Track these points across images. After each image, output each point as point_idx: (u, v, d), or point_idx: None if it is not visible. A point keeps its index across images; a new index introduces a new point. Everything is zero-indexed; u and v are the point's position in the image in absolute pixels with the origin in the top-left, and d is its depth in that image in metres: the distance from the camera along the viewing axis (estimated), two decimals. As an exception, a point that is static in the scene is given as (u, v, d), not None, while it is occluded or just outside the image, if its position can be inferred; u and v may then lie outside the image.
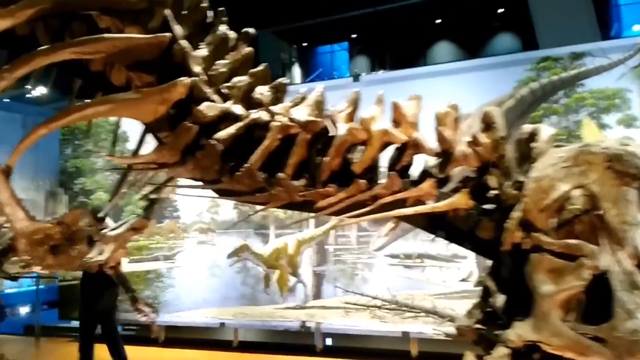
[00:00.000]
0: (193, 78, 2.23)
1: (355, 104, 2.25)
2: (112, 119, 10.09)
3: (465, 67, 8.33)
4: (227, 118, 2.26)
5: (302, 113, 2.23)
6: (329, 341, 8.51)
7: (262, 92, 2.34)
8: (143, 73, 2.29)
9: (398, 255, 8.32)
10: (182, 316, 9.33)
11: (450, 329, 7.77)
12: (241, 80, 2.34)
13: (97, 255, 2.88)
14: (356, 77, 8.85)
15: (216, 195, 2.36)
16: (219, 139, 2.18)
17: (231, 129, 2.21)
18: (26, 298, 12.53)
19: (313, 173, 2.17)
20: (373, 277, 8.42)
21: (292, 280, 8.84)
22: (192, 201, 9.44)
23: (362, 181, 2.11)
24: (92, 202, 10.04)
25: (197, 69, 2.32)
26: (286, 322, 8.74)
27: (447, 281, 8.08)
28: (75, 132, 10.41)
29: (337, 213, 2.13)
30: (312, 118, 2.18)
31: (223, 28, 2.46)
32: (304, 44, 18.17)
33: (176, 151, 2.22)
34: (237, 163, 2.22)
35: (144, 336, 9.34)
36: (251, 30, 2.58)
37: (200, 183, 2.37)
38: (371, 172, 2.15)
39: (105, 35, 2.17)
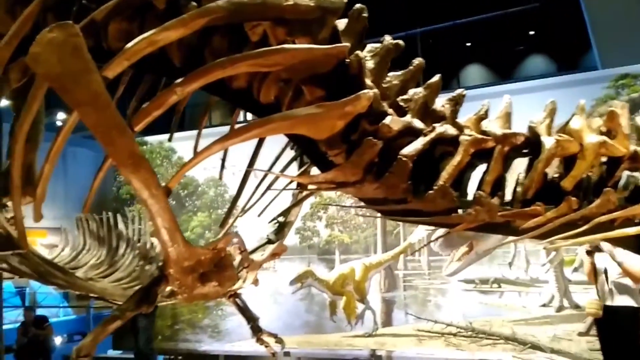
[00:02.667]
0: (374, 91, 2.06)
1: (552, 114, 2.05)
2: (167, 144, 10.16)
3: (542, 85, 8.08)
4: (409, 133, 2.08)
5: (494, 125, 2.04)
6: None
7: (442, 104, 2.16)
8: (315, 87, 2.13)
9: (473, 280, 7.99)
10: (243, 345, 9.12)
11: (531, 356, 7.31)
12: (418, 92, 2.17)
13: (241, 282, 2.72)
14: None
15: (392, 217, 2.17)
16: (407, 155, 2.00)
17: (417, 144, 2.03)
18: (63, 328, 12.43)
19: (513, 190, 1.96)
20: (447, 303, 8.09)
21: (359, 307, 8.57)
22: (253, 227, 9.34)
23: (574, 199, 1.89)
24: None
25: (369, 81, 2.17)
26: (355, 350, 8.44)
27: (527, 306, 7.70)
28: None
29: (544, 235, 1.91)
30: (511, 131, 1.99)
31: (387, 38, 2.31)
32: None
33: (358, 169, 2.05)
34: (424, 181, 2.04)
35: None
36: (401, 42, 2.42)
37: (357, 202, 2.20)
38: (581, 188, 1.93)
39: (285, 46, 2.03)
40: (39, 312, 11.20)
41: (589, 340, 7.15)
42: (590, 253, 5.43)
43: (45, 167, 2.13)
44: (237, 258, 2.76)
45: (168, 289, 2.51)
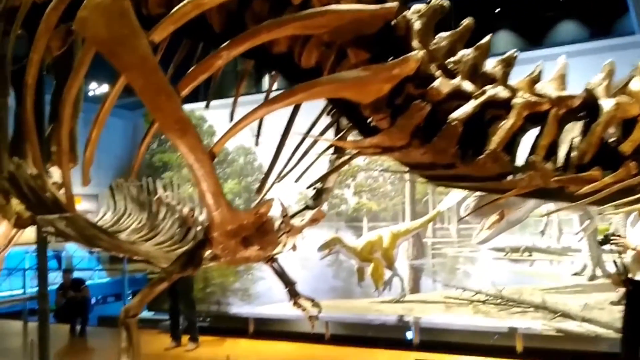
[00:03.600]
0: (422, 52, 2.01)
1: (610, 75, 1.97)
2: (198, 113, 10.21)
3: (575, 52, 7.80)
4: (458, 96, 2.03)
5: (549, 88, 1.97)
6: (427, 335, 8.27)
7: (493, 66, 2.09)
8: (360, 49, 2.08)
9: (503, 249, 7.94)
10: (272, 308, 9.29)
11: (562, 324, 7.29)
12: (467, 54, 2.10)
13: (281, 247, 2.75)
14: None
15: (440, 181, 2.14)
16: (457, 118, 1.96)
17: (467, 108, 1.98)
18: (97, 290, 12.79)
19: (567, 155, 1.91)
20: (476, 271, 8.07)
21: (387, 273, 8.61)
22: (282, 194, 9.38)
23: (633, 163, 1.83)
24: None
25: (415, 43, 2.11)
26: (382, 316, 8.53)
27: (558, 275, 7.64)
28: (162, 127, 10.54)
29: (600, 202, 1.86)
30: (567, 93, 1.92)
31: (433, -1, 2.22)
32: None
33: (405, 134, 2.01)
34: (473, 146, 1.99)
35: (237, 328, 9.41)
36: (446, 2, 2.34)
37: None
38: (640, 153, 1.87)
39: (333, 7, 1.98)
40: (76, 275, 11.63)
41: (621, 310, 7.10)
42: None
43: (94, 131, 2.15)
44: (278, 223, 2.78)
45: (211, 252, 2.54)
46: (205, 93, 3.50)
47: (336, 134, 3.62)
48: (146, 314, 11.74)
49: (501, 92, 2.00)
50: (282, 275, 3.72)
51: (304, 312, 3.88)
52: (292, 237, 2.89)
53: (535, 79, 2.04)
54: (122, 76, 2.04)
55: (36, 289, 11.23)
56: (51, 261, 13.79)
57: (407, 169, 2.39)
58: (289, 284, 3.77)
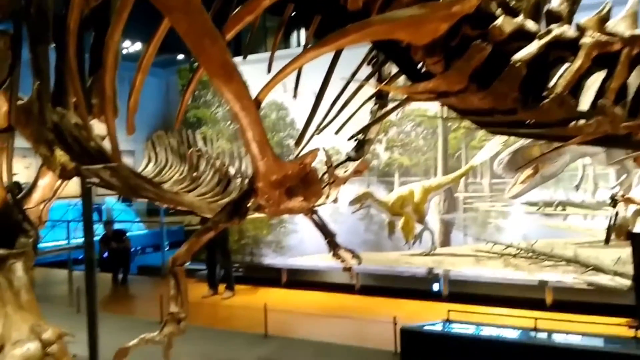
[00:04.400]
0: (483, -11, 1.88)
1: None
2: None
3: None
4: (521, 36, 1.90)
5: (620, 27, 1.83)
6: (456, 287, 8.31)
7: (558, 4, 1.95)
8: (415, -13, 1.96)
9: (537, 203, 7.82)
10: (304, 260, 9.43)
11: (593, 278, 7.22)
12: (531, -10, 1.96)
13: (324, 198, 2.71)
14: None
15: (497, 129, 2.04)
16: (520, 60, 1.84)
17: (531, 48, 1.85)
18: (136, 242, 13.12)
19: (638, 99, 1.79)
20: (508, 225, 8.00)
21: (418, 227, 8.61)
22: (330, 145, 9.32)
23: None
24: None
25: (474, -21, 1.97)
26: (412, 268, 8.58)
27: (592, 230, 7.51)
28: (194, 82, 10.49)
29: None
30: (640, 31, 1.78)
31: None
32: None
33: (464, 77, 1.91)
34: (535, 90, 1.88)
35: (270, 278, 9.62)
36: None
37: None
38: None
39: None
40: (115, 227, 12.00)
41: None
42: None
43: (138, 78, 2.10)
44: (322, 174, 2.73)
45: (256, 202, 2.52)
46: (234, 49, 3.41)
47: (376, 86, 3.52)
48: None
49: (568, 31, 1.87)
50: (322, 227, 3.71)
51: (344, 264, 3.89)
52: (335, 188, 2.84)
53: (604, 18, 1.90)
54: (165, 19, 1.97)
55: (79, 240, 11.59)
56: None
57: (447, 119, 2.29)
58: (329, 235, 3.76)
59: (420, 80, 2.11)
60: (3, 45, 2.66)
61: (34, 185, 3.76)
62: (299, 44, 10.43)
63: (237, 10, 2.03)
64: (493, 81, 1.89)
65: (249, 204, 2.42)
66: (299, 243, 9.46)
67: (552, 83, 1.86)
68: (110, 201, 15.87)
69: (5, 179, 3.02)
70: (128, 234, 10.98)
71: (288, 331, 6.24)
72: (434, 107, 8.40)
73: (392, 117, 8.36)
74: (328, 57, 2.57)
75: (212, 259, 8.89)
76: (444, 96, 1.99)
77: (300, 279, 9.67)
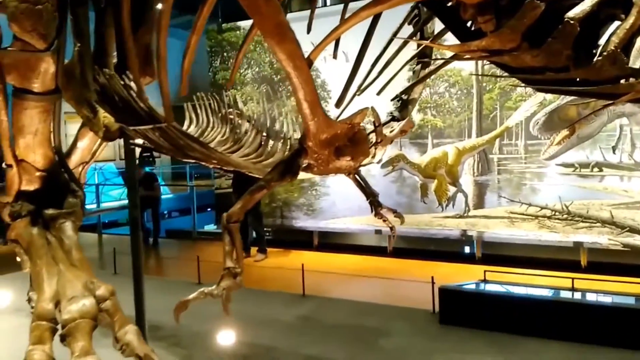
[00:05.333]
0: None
1: None
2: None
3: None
4: (574, -8, 1.89)
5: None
6: (490, 249, 8.35)
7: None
8: (467, -56, 1.95)
9: (572, 164, 7.72)
10: (335, 223, 9.55)
11: (629, 239, 7.14)
12: (586, -55, 1.93)
13: (370, 157, 2.77)
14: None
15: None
16: (574, 17, 1.83)
17: (584, 6, 1.84)
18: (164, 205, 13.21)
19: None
20: (543, 187, 7.93)
21: (451, 189, 8.60)
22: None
23: None
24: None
25: None
26: (445, 230, 8.62)
27: (629, 191, 7.41)
28: (223, 44, 10.50)
29: None
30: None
31: None
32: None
33: (517, 35, 1.91)
34: (588, 47, 1.88)
35: (302, 241, 9.80)
36: None
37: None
38: None
39: None
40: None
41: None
42: None
43: (192, 39, 2.16)
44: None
45: (305, 162, 2.59)
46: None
47: (418, 45, 3.50)
48: (208, 227, 12.39)
49: (623, -14, 1.85)
50: (364, 187, 3.77)
51: (386, 223, 3.97)
52: (381, 148, 2.89)
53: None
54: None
55: (106, 204, 11.80)
56: (116, 178, 14.51)
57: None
58: (371, 195, 3.83)
59: (469, 39, 2.12)
60: (50, 7, 2.72)
61: (72, 147, 3.79)
62: (325, 4, 10.26)
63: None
64: (545, 39, 1.89)
65: (300, 163, 2.49)
66: (330, 206, 9.58)
67: (604, 41, 1.86)
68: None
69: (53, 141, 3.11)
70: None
71: (324, 291, 6.38)
72: (469, 67, 8.27)
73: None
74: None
75: (244, 222, 9.05)
76: (496, 54, 2.00)
77: (331, 242, 9.81)
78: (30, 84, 2.74)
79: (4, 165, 3.01)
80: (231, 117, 3.77)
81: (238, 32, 10.28)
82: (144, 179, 9.93)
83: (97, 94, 3.03)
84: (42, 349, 2.65)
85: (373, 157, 2.83)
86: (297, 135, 3.58)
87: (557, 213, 7.76)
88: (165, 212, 14.22)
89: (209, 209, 13.01)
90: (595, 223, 7.55)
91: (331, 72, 9.01)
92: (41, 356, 2.62)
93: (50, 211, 3.03)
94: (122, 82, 2.82)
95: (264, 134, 3.65)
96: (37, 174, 3.03)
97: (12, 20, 2.57)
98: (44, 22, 2.65)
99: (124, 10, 2.42)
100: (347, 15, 2.15)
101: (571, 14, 1.85)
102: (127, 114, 3.00)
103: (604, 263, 7.42)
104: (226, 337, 4.45)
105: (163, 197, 11.49)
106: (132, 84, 2.89)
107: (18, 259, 5.39)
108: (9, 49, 2.61)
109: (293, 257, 8.86)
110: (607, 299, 4.93)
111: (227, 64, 10.48)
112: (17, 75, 2.71)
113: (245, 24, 9.97)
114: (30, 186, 3.03)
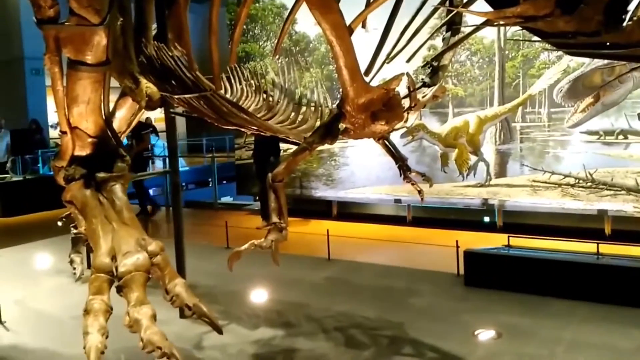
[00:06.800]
0: None
1: None
2: (278, 1, 10.09)
3: None
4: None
5: None
6: (511, 218, 8.42)
7: None
8: None
9: (597, 132, 7.72)
10: (354, 192, 9.70)
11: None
12: None
13: (402, 122, 2.91)
14: None
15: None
16: (605, -17, 1.94)
17: (616, -28, 1.95)
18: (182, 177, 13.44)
19: None
20: (566, 155, 7.96)
21: (472, 159, 8.66)
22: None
23: None
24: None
25: None
26: (466, 199, 8.72)
27: (655, 158, 7.42)
28: (244, 16, 10.54)
29: None
30: None
31: None
32: None
33: (550, 2, 2.02)
34: (618, 12, 1.99)
35: (321, 210, 9.96)
36: None
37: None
38: None
39: None
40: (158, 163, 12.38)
41: None
42: None
43: (243, 12, 2.31)
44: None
45: (343, 126, 2.74)
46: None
47: (447, 13, 3.58)
48: (224, 199, 12.62)
49: (654, -47, 1.94)
50: (393, 152, 3.91)
51: (414, 187, 4.12)
52: (413, 113, 3.02)
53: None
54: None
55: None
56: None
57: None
58: (400, 160, 3.97)
59: (502, 5, 2.23)
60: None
61: (111, 117, 3.99)
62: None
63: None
64: (577, 6, 2.00)
65: (339, 126, 2.65)
66: (349, 176, 9.71)
67: (634, 6, 1.97)
68: (152, 138, 16.37)
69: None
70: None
71: (349, 256, 6.58)
72: (491, 35, 8.25)
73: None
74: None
75: (264, 191, 9.19)
76: (531, 20, 2.12)
77: (350, 211, 9.94)
78: (84, 56, 2.91)
79: (58, 132, 3.21)
80: (274, 84, 3.89)
81: (257, 4, 10.32)
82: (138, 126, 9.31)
83: (141, 65, 3.21)
84: (100, 299, 2.87)
85: (406, 121, 2.97)
86: (327, 103, 3.73)
87: (580, 181, 7.80)
88: (183, 184, 14.54)
89: (224, 182, 13.28)
90: (619, 191, 7.57)
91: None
92: (100, 305, 2.84)
93: (101, 174, 3.23)
94: (169, 53, 2.98)
95: (295, 102, 3.79)
96: (89, 140, 3.22)
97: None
98: (99, -1, 2.80)
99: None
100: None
101: (603, -20, 1.96)
102: (172, 84, 3.18)
103: (629, 231, 7.42)
104: (259, 296, 4.69)
105: (181, 169, 11.68)
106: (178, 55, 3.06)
107: (59, 223, 5.67)
108: (67, 23, 2.77)
109: (313, 226, 8.96)
110: (635, 263, 4.99)
111: (246, 37, 10.54)
112: (72, 48, 2.87)
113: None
114: (82, 151, 3.23)
